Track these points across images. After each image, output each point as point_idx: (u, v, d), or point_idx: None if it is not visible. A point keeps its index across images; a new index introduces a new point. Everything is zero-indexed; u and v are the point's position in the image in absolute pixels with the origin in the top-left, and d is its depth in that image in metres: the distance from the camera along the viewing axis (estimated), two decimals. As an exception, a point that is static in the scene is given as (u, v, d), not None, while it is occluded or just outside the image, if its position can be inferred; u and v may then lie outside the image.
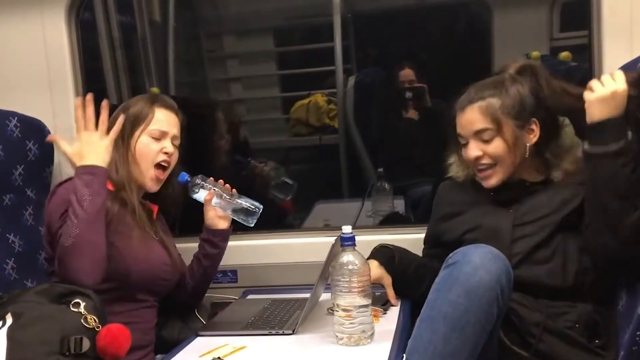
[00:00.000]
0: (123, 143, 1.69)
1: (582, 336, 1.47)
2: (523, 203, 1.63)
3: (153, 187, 1.73)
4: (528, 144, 1.60)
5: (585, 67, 1.94)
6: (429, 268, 1.71)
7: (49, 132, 1.95)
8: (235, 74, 3.56)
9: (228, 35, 3.54)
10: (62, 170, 2.05)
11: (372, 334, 1.44)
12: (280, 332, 1.54)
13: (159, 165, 1.71)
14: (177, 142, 1.76)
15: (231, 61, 3.58)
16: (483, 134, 1.59)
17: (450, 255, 1.40)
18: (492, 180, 1.64)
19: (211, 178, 1.79)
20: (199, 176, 1.78)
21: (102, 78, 2.79)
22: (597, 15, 1.81)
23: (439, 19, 3.06)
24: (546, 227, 1.56)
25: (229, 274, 2.04)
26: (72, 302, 1.37)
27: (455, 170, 1.76)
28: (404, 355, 1.35)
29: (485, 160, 1.62)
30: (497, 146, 1.59)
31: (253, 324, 1.61)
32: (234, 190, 1.80)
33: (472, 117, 1.60)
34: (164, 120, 1.73)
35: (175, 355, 1.46)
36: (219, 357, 1.39)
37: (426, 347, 1.33)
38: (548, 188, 1.63)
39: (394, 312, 1.67)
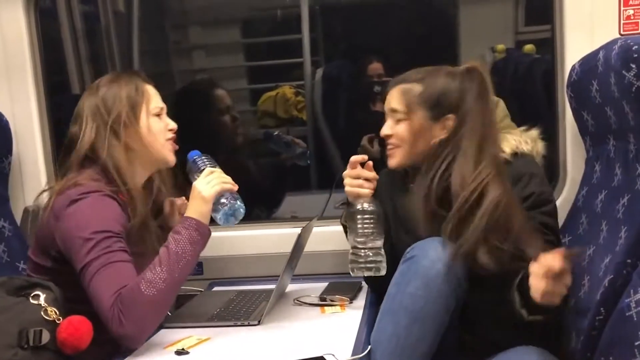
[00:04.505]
0: (127, 133, 1.56)
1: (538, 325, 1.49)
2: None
3: (173, 160, 1.63)
4: (436, 138, 1.55)
5: (548, 59, 1.98)
6: None
7: (6, 122, 1.90)
8: (202, 65, 3.52)
9: (194, 26, 3.48)
10: (22, 160, 2.00)
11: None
12: (246, 323, 1.54)
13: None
14: None
15: (197, 52, 3.54)
16: (395, 114, 1.61)
17: (408, 250, 1.45)
18: (392, 160, 1.63)
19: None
20: (208, 157, 1.62)
21: (65, 68, 2.73)
22: (559, 10, 1.85)
23: (407, 12, 3.07)
24: None
25: (195, 265, 2.02)
26: (32, 295, 1.35)
27: None
28: (369, 346, 1.39)
29: (393, 140, 1.61)
30: (402, 130, 1.59)
31: (218, 316, 1.60)
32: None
33: (392, 96, 1.62)
34: (156, 95, 1.64)
35: (139, 346, 1.44)
36: (183, 349, 1.38)
37: (390, 339, 1.39)
38: None
39: (359, 302, 1.68)
